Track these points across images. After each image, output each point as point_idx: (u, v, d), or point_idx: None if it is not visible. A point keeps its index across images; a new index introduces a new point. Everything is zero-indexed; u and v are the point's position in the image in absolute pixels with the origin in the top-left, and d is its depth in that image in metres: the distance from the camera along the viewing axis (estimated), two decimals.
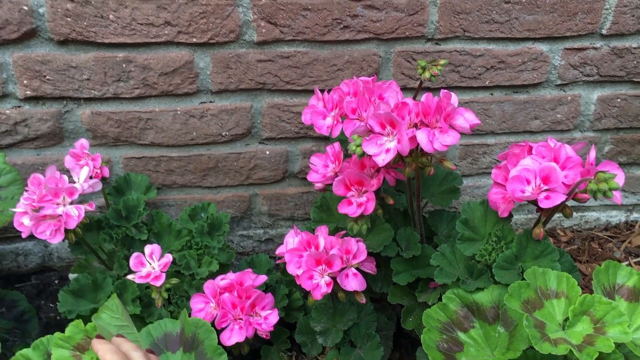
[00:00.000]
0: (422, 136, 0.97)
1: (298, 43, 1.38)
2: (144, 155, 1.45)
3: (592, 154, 0.93)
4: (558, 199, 0.89)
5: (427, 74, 1.23)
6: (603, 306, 0.89)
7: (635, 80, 1.52)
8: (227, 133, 1.45)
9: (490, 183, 1.62)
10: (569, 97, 1.53)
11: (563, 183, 0.91)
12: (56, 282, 1.57)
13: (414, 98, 1.33)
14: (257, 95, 1.43)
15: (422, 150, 1.01)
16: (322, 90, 1.20)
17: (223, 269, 1.30)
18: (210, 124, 1.44)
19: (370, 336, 1.17)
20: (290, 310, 1.30)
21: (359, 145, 1.00)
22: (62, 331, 0.95)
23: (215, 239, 1.25)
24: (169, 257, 1.12)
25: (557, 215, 1.04)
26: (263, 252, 1.63)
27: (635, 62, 1.49)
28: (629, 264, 1.62)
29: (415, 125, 1.01)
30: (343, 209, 1.09)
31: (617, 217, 1.76)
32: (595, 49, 1.47)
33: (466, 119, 0.98)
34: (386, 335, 1.26)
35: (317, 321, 1.18)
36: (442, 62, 1.24)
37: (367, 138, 0.99)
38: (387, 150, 0.99)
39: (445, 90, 1.01)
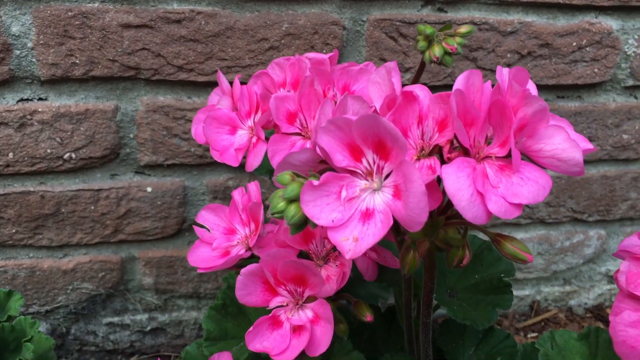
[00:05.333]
0: (459, 182, 0.36)
1: None
2: None
3: None
4: None
5: (436, 50, 0.64)
6: None
7: None
8: (74, 155, 0.82)
9: None
10: None
11: None
12: None
13: None
14: (126, 89, 0.81)
15: (451, 212, 0.40)
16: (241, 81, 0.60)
17: None
18: (41, 139, 0.80)
19: None
20: None
21: (294, 201, 0.38)
22: None
23: None
24: None
25: None
26: (148, 352, 0.99)
27: None
28: None
29: (437, 152, 0.40)
30: (257, 340, 0.47)
31: None
32: None
33: (571, 135, 0.38)
34: None
35: None
36: (463, 29, 0.66)
37: (316, 183, 0.38)
38: (367, 216, 0.38)
39: (517, 66, 0.41)
